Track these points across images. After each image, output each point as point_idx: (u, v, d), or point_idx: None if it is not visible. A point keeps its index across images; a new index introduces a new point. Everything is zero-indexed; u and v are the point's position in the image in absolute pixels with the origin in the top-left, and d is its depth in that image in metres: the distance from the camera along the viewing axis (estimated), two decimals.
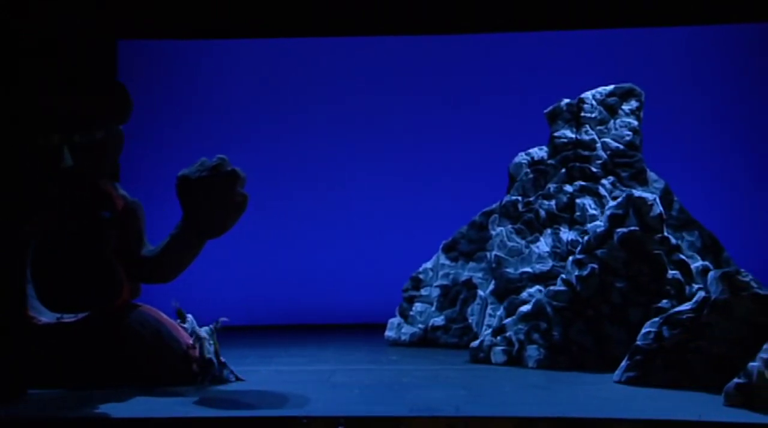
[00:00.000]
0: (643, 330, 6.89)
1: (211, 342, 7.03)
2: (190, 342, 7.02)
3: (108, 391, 6.52)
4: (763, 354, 5.75)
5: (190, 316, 7.29)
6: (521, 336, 7.95)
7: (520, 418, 5.53)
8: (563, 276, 8.01)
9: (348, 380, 7.08)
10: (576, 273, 7.87)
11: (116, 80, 7.94)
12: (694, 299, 6.77)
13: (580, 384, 6.80)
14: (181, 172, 7.00)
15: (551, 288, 8.05)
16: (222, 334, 7.20)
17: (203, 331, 7.08)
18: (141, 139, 11.51)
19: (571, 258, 8.08)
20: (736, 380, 5.85)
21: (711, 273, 6.75)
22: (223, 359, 7.09)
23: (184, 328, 7.15)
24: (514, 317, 8.16)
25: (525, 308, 8.08)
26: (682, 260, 7.89)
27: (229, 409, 5.94)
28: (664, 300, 7.60)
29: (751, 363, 5.80)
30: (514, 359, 7.92)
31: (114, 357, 6.88)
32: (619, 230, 7.85)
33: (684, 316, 6.68)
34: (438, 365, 7.93)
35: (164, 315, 7.26)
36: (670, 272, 7.75)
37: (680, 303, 7.37)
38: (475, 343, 8.25)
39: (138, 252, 7.19)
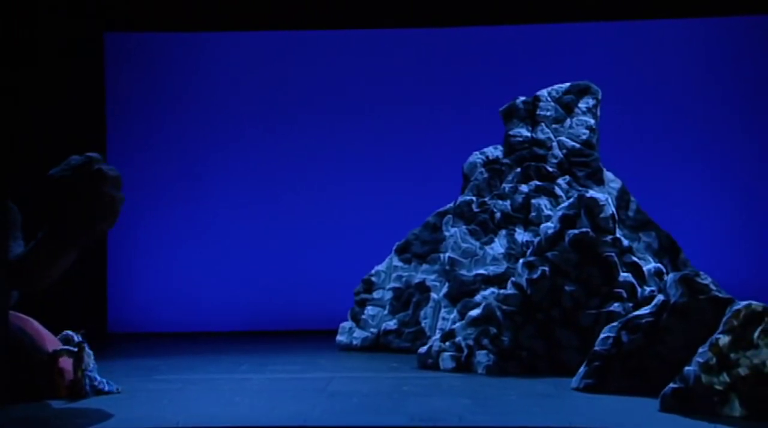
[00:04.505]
0: (602, 335, 6.68)
1: (89, 353, 6.62)
2: (58, 349, 6.56)
3: None
4: (698, 358, 5.64)
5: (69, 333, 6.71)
6: (470, 342, 7.68)
7: None
8: (513, 279, 7.82)
9: (346, 388, 6.80)
10: (526, 276, 7.65)
11: None
12: (653, 303, 6.58)
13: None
14: (50, 172, 6.49)
15: (501, 291, 7.86)
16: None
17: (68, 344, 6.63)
18: (130, 136, 11.37)
19: (521, 260, 7.88)
20: (672, 385, 5.73)
21: (670, 276, 6.58)
22: (91, 372, 6.63)
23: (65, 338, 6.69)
24: (463, 321, 7.93)
25: (474, 312, 7.85)
26: (635, 262, 7.69)
27: (226, 420, 5.66)
28: (616, 304, 7.41)
29: (687, 368, 5.68)
30: (463, 365, 7.64)
31: None
32: (570, 231, 7.65)
33: (643, 321, 6.48)
34: (440, 372, 7.64)
35: (34, 324, 6.74)
36: (622, 274, 7.56)
37: (633, 306, 7.26)
38: (423, 349, 7.98)
39: None
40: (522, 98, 9.30)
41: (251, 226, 11.44)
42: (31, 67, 10.65)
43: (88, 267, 10.63)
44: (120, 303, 11.26)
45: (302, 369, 7.95)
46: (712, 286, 6.33)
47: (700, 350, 5.63)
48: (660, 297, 6.50)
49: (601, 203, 7.68)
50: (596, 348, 6.63)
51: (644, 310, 6.57)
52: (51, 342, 6.67)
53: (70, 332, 6.79)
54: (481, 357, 7.52)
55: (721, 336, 5.57)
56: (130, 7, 11.21)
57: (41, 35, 10.71)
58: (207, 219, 11.39)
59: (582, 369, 6.65)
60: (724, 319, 5.63)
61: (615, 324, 6.67)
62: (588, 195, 7.81)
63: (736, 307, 5.63)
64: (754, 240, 11.21)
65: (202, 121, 11.52)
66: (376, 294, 9.50)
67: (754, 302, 5.63)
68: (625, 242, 7.75)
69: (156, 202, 11.35)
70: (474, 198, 9.17)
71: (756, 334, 5.45)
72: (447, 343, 7.79)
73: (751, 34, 11.34)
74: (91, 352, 6.66)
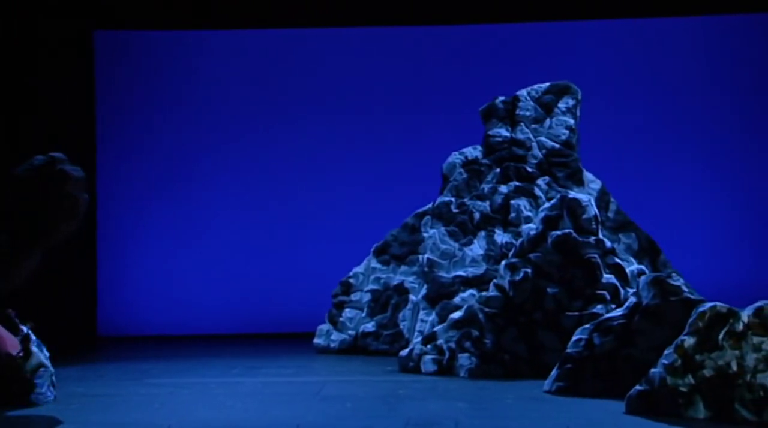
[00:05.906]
0: (574, 338, 6.90)
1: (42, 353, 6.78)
2: (16, 353, 6.71)
3: None
4: (664, 360, 5.82)
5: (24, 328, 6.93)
6: (452, 345, 7.90)
7: None
8: (496, 281, 8.00)
9: (340, 392, 6.97)
10: (509, 277, 7.86)
11: None
12: (626, 305, 6.82)
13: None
14: (12, 171, 6.66)
15: (483, 293, 8.05)
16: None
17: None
18: (120, 136, 11.68)
19: (504, 262, 8.09)
20: (637, 387, 5.91)
21: (642, 278, 6.81)
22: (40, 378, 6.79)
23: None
24: (444, 324, 8.12)
25: (456, 315, 8.04)
26: (618, 263, 7.93)
27: (219, 425, 5.83)
28: (599, 306, 7.62)
29: (653, 370, 5.86)
30: (445, 369, 7.87)
31: None
32: (553, 233, 7.86)
33: (615, 323, 6.70)
34: (436, 375, 7.85)
35: None
36: (605, 276, 7.78)
37: (616, 307, 7.40)
38: (404, 352, 8.21)
39: None
40: (501, 98, 9.61)
41: (240, 229, 11.70)
42: (20, 65, 10.81)
43: (77, 270, 10.98)
44: (110, 305, 11.51)
45: (295, 372, 8.14)
46: (684, 288, 6.59)
47: (666, 352, 5.83)
48: (632, 300, 6.73)
49: (584, 204, 7.90)
50: (568, 350, 6.83)
51: (616, 312, 6.80)
52: (13, 346, 6.74)
53: (24, 327, 6.87)
54: (463, 360, 7.75)
55: (686, 337, 5.77)
56: (122, 4, 11.38)
57: (30, 33, 10.80)
58: (196, 223, 11.66)
59: (554, 372, 6.85)
60: (690, 321, 5.82)
61: (587, 326, 6.86)
62: (570, 196, 8.04)
63: (701, 309, 5.81)
64: (754, 240, 11.53)
65: (189, 122, 11.78)
66: (353, 296, 9.77)
67: (719, 303, 5.82)
68: (608, 243, 7.97)
69: (146, 204, 11.67)
70: (453, 199, 9.50)
71: (721, 336, 5.67)
72: (428, 346, 7.99)
73: (743, 33, 11.69)
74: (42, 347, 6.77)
